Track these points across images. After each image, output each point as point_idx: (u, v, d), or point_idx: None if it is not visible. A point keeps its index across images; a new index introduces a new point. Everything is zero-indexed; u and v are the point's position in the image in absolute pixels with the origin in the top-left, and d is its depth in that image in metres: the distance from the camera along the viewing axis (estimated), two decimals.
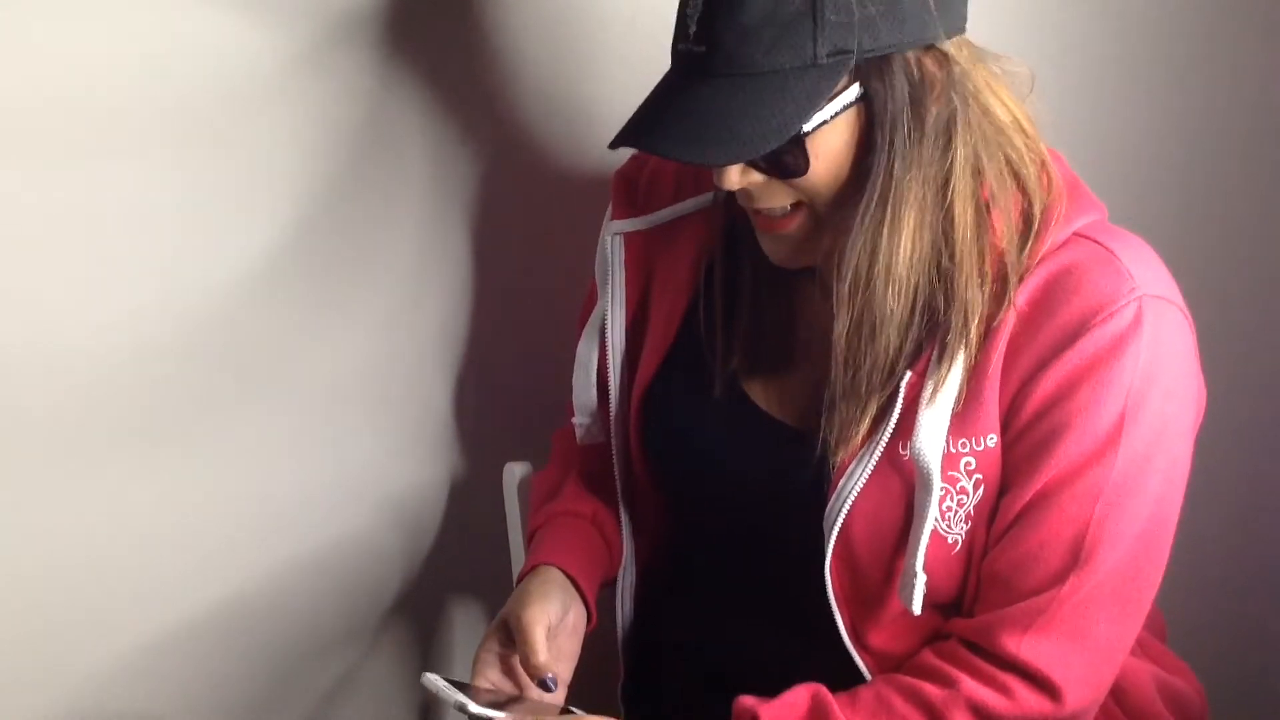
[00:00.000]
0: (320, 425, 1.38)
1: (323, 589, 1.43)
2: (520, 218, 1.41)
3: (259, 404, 1.34)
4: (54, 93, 1.16)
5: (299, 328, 1.34)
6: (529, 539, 1.26)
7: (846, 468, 1.05)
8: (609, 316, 1.19)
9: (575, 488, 1.27)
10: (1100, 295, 0.99)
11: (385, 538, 1.46)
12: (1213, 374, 1.08)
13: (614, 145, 0.99)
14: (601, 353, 1.21)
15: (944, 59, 0.98)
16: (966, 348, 1.01)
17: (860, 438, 1.04)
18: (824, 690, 1.05)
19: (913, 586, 1.03)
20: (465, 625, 1.52)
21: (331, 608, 1.44)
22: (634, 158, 1.23)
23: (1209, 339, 1.09)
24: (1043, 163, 1.05)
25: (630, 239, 1.19)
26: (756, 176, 1.01)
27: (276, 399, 1.34)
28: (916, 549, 1.02)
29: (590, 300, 1.28)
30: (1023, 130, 1.03)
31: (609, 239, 1.19)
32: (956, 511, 1.04)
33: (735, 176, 1.01)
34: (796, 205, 1.03)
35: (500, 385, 1.45)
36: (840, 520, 1.05)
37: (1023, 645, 1.01)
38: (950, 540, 1.04)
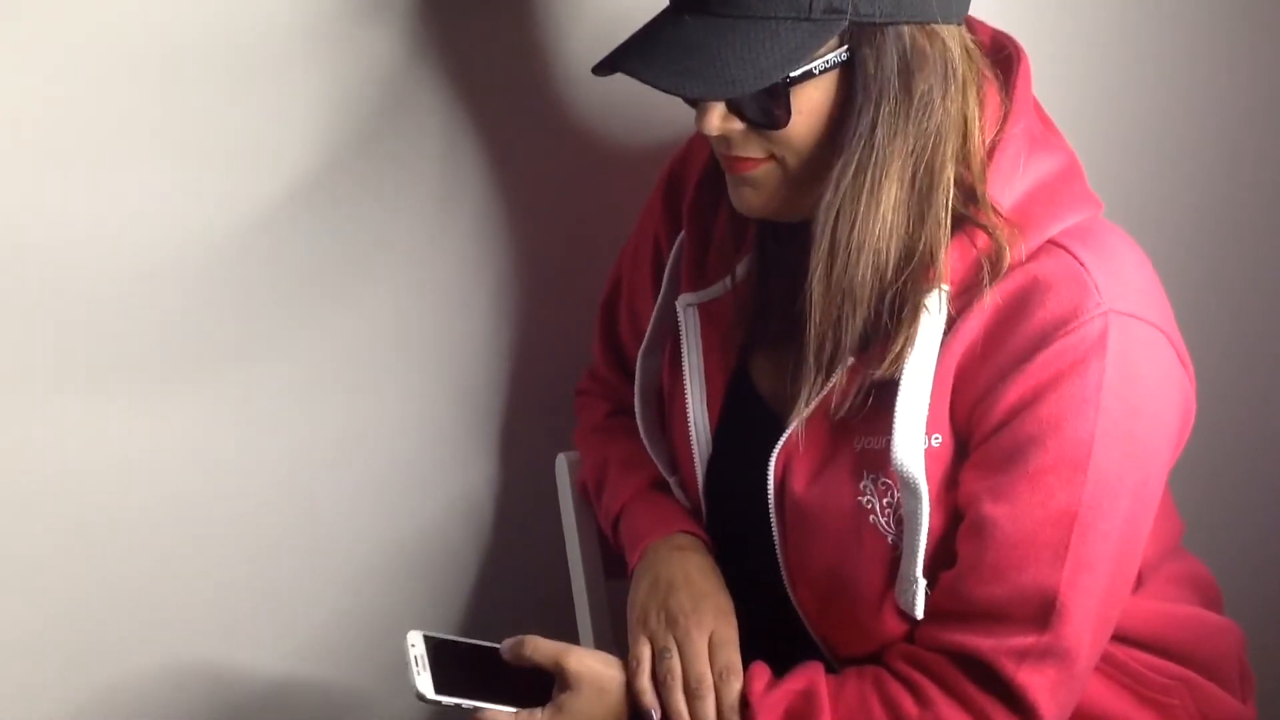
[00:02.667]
0: (368, 422, 1.40)
1: (379, 585, 1.46)
2: (561, 210, 1.41)
3: (303, 403, 1.36)
4: (93, 48, 1.17)
5: (351, 329, 1.36)
6: (609, 505, 1.27)
7: (794, 444, 1.07)
8: (689, 388, 1.18)
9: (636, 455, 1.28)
10: (1064, 310, 0.99)
11: (443, 535, 1.48)
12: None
13: (598, 71, 1.00)
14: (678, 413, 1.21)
15: (938, 42, 0.98)
16: (908, 341, 1.01)
17: (810, 416, 1.05)
18: (820, 682, 1.06)
19: (912, 592, 1.04)
20: (525, 616, 1.54)
21: (391, 603, 1.47)
22: (692, 224, 1.21)
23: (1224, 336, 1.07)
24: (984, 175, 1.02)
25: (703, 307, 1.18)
26: (737, 124, 1.02)
27: (321, 397, 1.37)
28: (915, 554, 1.03)
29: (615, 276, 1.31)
30: (974, 147, 1.02)
31: (682, 310, 1.18)
32: (895, 511, 1.04)
33: (716, 120, 1.01)
34: (770, 156, 1.03)
35: (548, 378, 1.46)
36: (775, 489, 1.08)
37: (1020, 673, 1.00)
38: (890, 541, 1.05)
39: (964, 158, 1.02)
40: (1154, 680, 1.15)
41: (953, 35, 1.00)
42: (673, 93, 0.98)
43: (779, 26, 0.96)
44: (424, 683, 1.05)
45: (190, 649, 1.38)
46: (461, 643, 1.11)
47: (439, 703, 1.05)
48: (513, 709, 1.07)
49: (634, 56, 0.99)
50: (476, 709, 1.07)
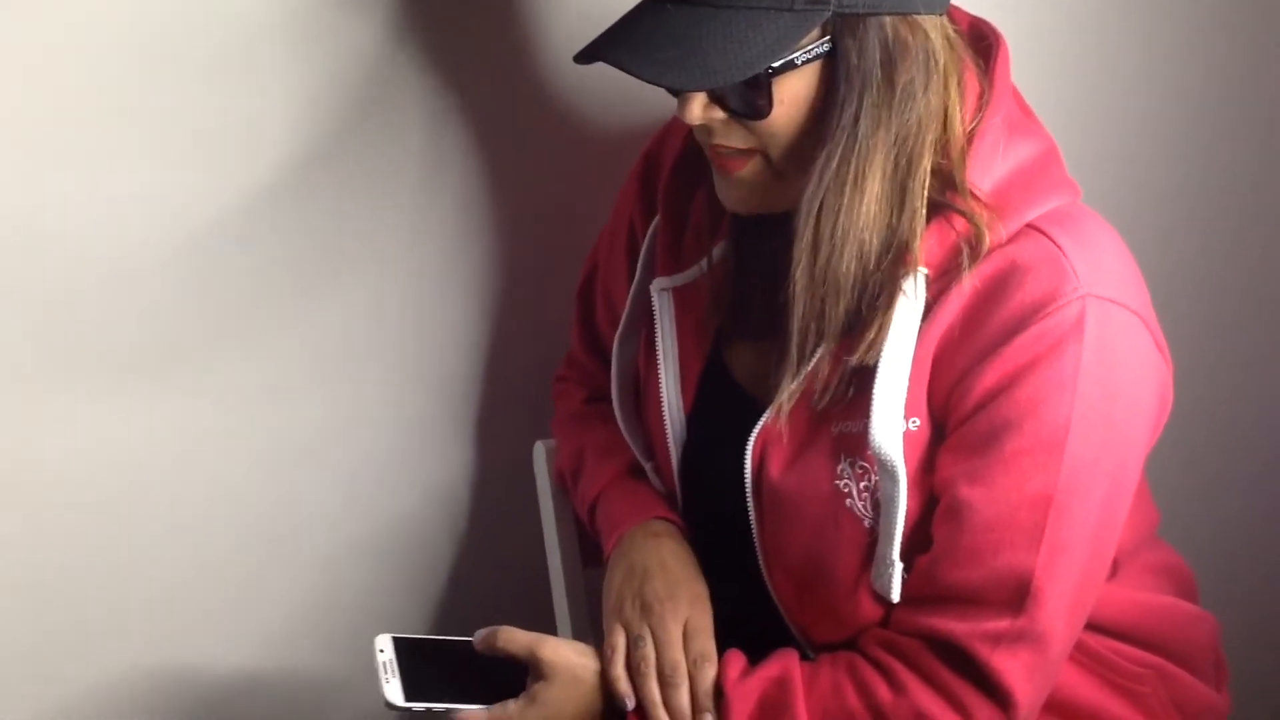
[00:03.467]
0: (345, 410, 1.39)
1: (355, 574, 1.46)
2: (539, 198, 1.41)
3: (280, 392, 1.36)
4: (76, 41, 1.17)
5: (328, 318, 1.35)
6: (586, 492, 1.27)
7: (772, 429, 1.07)
8: (664, 372, 1.18)
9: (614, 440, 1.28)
10: (1042, 293, 0.99)
11: (420, 524, 1.47)
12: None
13: (579, 59, 1.00)
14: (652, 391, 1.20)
15: (920, 33, 0.99)
16: (883, 328, 1.01)
17: (792, 404, 1.05)
18: (794, 669, 1.06)
19: (889, 575, 1.04)
20: (502, 605, 1.54)
21: (367, 593, 1.46)
22: (668, 205, 1.20)
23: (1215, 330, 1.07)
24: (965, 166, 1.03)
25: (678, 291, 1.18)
26: (719, 114, 1.01)
27: (298, 386, 1.36)
28: (892, 537, 1.03)
29: (593, 258, 1.32)
30: (955, 136, 1.02)
31: (656, 294, 1.18)
32: (872, 494, 1.04)
33: (698, 110, 1.01)
34: (753, 150, 1.03)
35: (525, 366, 1.46)
36: (753, 474, 1.08)
37: (994, 657, 1.00)
38: (867, 525, 1.05)
39: (943, 146, 1.02)
40: (1127, 668, 1.15)
41: (934, 26, 1.00)
42: (654, 83, 0.98)
43: (761, 17, 0.96)
44: (393, 691, 1.05)
45: (164, 639, 1.37)
46: (432, 640, 1.11)
47: (410, 710, 1.05)
48: (485, 706, 1.07)
49: (615, 45, 0.99)
50: (448, 711, 1.06)
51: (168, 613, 1.36)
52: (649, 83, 0.98)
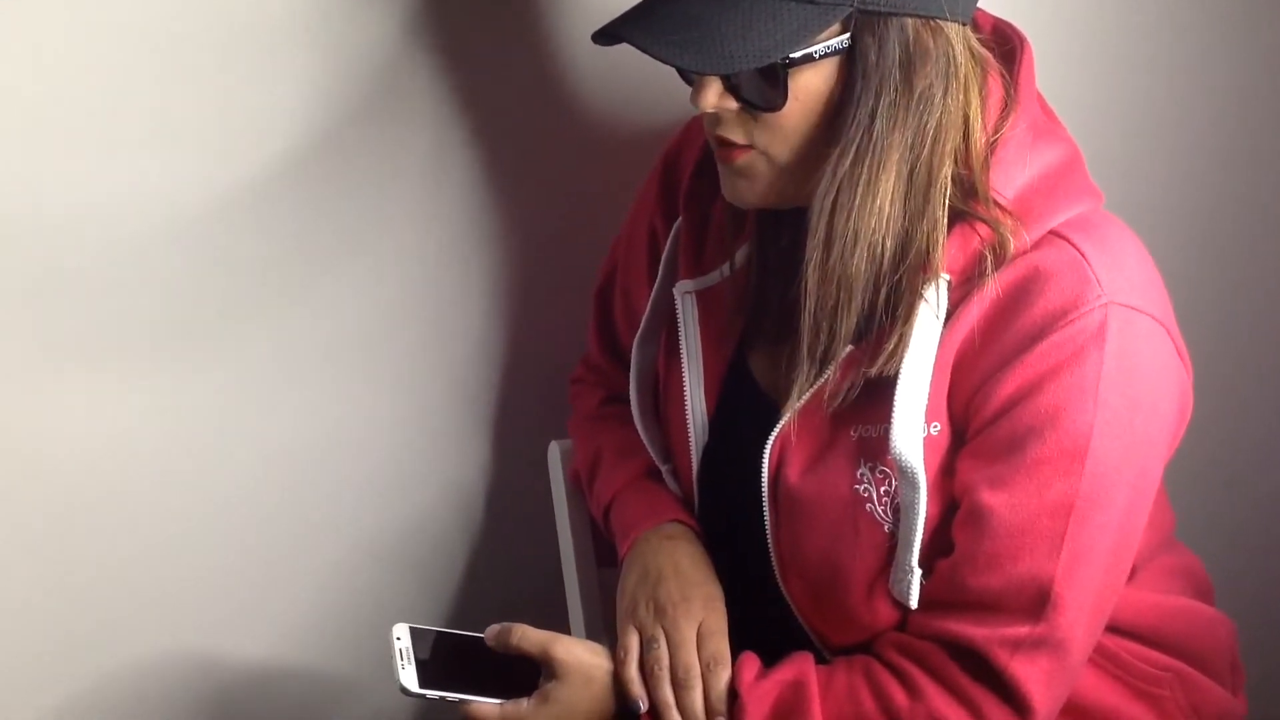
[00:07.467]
0: (360, 407, 1.39)
1: (369, 572, 1.46)
2: (555, 197, 1.41)
3: (294, 388, 1.36)
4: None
5: (342, 315, 1.35)
6: (602, 495, 1.27)
7: (789, 433, 1.07)
8: (687, 375, 1.18)
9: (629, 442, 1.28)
10: (1064, 300, 0.99)
11: (434, 522, 1.48)
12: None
13: (597, 39, 1.00)
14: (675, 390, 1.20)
15: (942, 38, 0.98)
16: (903, 339, 1.01)
17: (805, 405, 1.05)
18: (810, 673, 1.06)
19: (908, 581, 1.04)
20: (516, 604, 1.54)
21: (381, 590, 1.47)
22: (689, 210, 1.20)
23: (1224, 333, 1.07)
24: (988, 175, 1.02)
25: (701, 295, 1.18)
26: (732, 104, 1.01)
27: (312, 383, 1.36)
28: (911, 544, 1.03)
29: (609, 265, 1.31)
30: (976, 146, 1.02)
31: (680, 297, 1.17)
32: (892, 499, 1.04)
33: (712, 98, 1.01)
34: (751, 145, 1.03)
35: (541, 366, 1.46)
36: (770, 478, 1.08)
37: (1013, 663, 1.00)
38: (886, 530, 1.04)
39: (964, 155, 1.02)
40: (1145, 671, 1.15)
41: (957, 33, 0.99)
42: (668, 62, 0.98)
43: (782, 7, 0.96)
44: (408, 677, 1.06)
45: (178, 634, 1.37)
46: (448, 634, 1.11)
47: (424, 696, 1.05)
48: (498, 701, 1.07)
49: (633, 26, 0.99)
50: (462, 702, 1.07)
51: (182, 609, 1.37)
52: (664, 62, 0.97)
